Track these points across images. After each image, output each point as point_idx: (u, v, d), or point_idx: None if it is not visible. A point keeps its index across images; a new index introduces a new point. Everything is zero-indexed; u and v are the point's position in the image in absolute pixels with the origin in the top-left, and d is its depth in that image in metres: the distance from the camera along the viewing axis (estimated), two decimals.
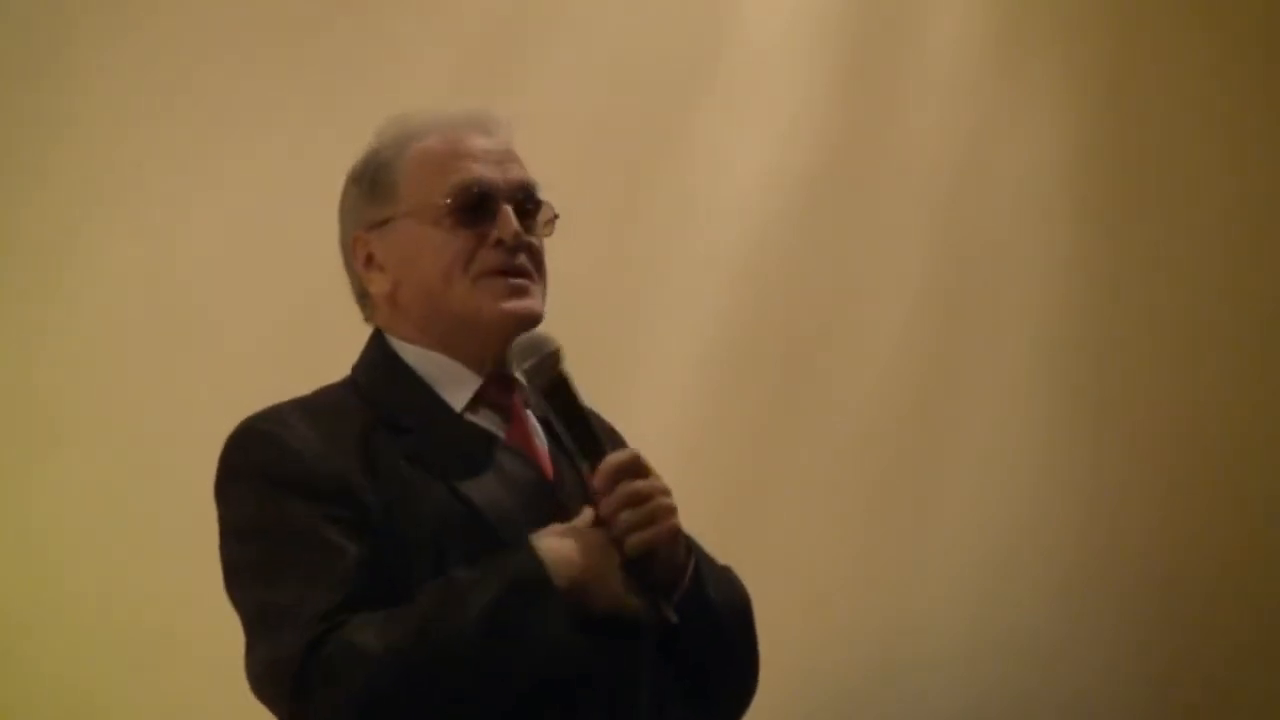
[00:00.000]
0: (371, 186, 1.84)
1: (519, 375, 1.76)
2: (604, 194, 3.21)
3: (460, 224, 1.79)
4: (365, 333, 2.96)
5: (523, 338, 1.77)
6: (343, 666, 1.58)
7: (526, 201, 1.83)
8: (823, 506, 3.57)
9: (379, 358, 1.85)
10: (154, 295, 2.83)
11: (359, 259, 1.85)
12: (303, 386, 2.93)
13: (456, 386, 1.80)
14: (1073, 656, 3.91)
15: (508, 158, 1.84)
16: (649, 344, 3.39)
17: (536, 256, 1.82)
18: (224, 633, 2.75)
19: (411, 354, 1.82)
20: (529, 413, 1.84)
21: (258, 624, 1.67)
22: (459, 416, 1.79)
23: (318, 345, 2.94)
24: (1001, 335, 3.98)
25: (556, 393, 1.74)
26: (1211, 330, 4.20)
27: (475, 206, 1.79)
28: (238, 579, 1.72)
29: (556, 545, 1.66)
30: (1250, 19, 4.32)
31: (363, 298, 1.89)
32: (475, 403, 1.80)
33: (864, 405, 3.74)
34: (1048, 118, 4.11)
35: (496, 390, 1.82)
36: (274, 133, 2.94)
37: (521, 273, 1.79)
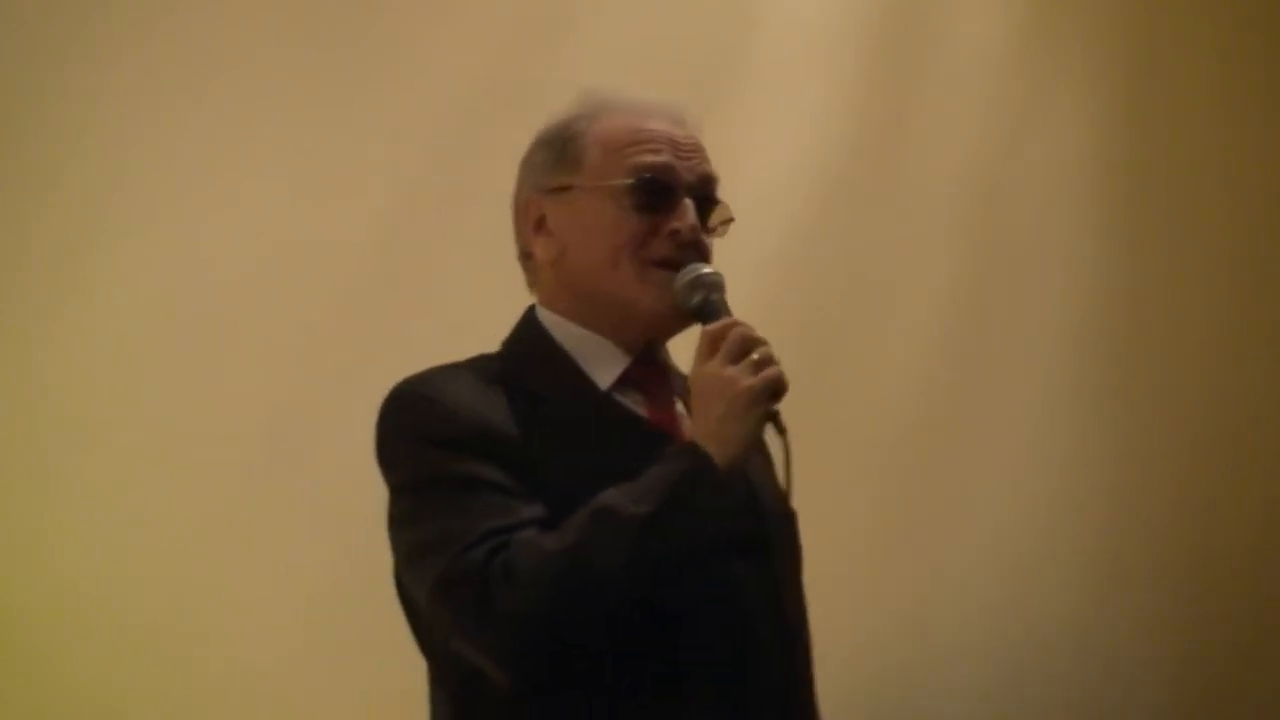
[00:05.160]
0: (559, 153, 1.84)
1: (677, 287, 1.77)
2: None
3: (638, 207, 1.79)
4: (385, 332, 3.00)
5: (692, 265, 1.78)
6: (524, 563, 1.59)
7: (706, 198, 1.84)
8: (843, 503, 3.56)
9: (528, 332, 1.85)
10: (172, 295, 2.83)
11: (530, 221, 1.85)
12: (323, 386, 2.96)
13: (603, 364, 1.81)
14: (1093, 654, 3.91)
15: (696, 150, 1.84)
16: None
17: (705, 254, 1.82)
18: (241, 633, 2.78)
19: (563, 330, 1.83)
20: (676, 397, 1.85)
21: (429, 549, 1.66)
22: (603, 393, 1.79)
23: (338, 345, 2.96)
24: (1024, 333, 3.98)
25: (713, 316, 1.75)
26: (1234, 329, 4.20)
27: (656, 192, 1.79)
28: (402, 528, 1.73)
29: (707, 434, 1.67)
30: (1277, 24, 4.32)
31: (526, 258, 1.89)
32: (621, 382, 1.81)
33: (886, 403, 3.73)
34: (1070, 118, 4.11)
35: (644, 371, 1.83)
36: (296, 132, 2.94)
37: None
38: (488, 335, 3.04)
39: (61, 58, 2.75)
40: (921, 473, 3.74)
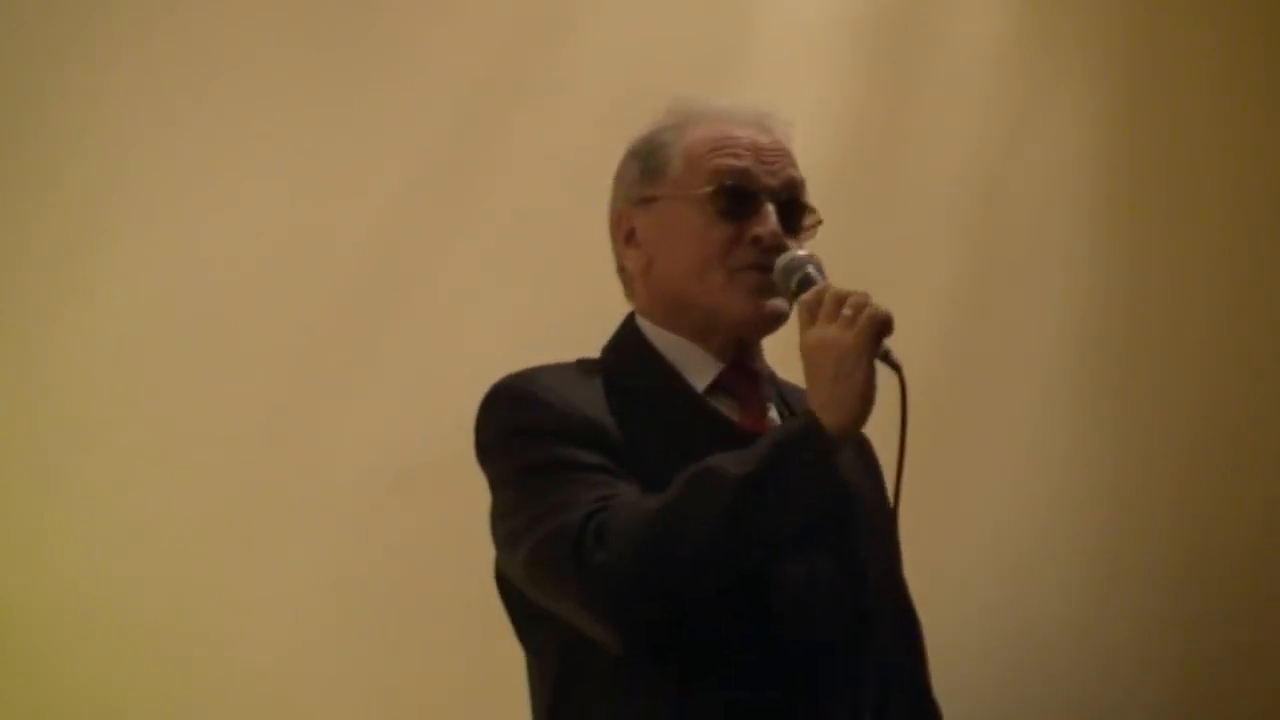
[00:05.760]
0: (645, 164, 1.86)
1: (777, 278, 1.78)
2: None
3: (721, 215, 1.80)
4: (386, 331, 3.00)
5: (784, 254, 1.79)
6: (619, 522, 1.61)
7: (790, 203, 1.84)
8: None
9: (626, 338, 1.87)
10: (172, 295, 2.83)
11: (622, 233, 1.87)
12: (323, 386, 2.96)
13: (697, 369, 1.82)
14: (1093, 654, 3.90)
15: (780, 156, 1.86)
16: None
17: None
18: (241, 633, 2.78)
19: (658, 337, 1.84)
20: (770, 404, 1.86)
21: (528, 525, 1.68)
22: (697, 395, 1.81)
23: (338, 345, 2.96)
24: (1024, 333, 3.97)
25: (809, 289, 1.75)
26: (1234, 329, 4.19)
27: (737, 198, 1.80)
28: (504, 518, 1.74)
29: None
30: (1278, 24, 4.31)
31: (621, 271, 1.91)
32: (714, 387, 1.82)
33: (886, 404, 3.72)
34: (1070, 118, 4.09)
35: (737, 377, 1.84)
36: (296, 132, 2.94)
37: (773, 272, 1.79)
38: (487, 334, 3.05)
39: (61, 58, 2.75)
40: (921, 473, 3.73)
